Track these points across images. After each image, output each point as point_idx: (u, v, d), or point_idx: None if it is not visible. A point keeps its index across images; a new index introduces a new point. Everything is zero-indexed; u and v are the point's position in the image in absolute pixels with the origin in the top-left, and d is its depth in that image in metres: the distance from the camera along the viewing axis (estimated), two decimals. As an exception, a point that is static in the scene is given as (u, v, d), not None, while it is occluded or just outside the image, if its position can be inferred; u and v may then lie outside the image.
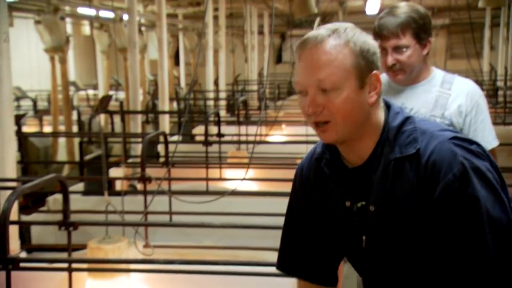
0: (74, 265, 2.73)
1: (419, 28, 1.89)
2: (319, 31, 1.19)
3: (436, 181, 1.13)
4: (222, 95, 9.30)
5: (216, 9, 9.34)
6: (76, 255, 3.14)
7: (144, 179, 3.64)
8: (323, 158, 1.28)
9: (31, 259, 3.36)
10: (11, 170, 3.70)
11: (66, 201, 2.78)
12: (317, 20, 5.61)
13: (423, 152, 1.16)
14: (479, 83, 7.29)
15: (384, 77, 1.95)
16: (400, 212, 1.18)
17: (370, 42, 1.20)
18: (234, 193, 3.45)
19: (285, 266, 1.37)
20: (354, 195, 1.23)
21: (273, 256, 1.47)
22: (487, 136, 1.95)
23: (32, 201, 5.23)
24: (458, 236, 1.12)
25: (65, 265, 2.73)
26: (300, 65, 1.19)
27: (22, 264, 2.44)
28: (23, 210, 4.48)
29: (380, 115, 1.22)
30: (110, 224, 3.24)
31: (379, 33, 1.90)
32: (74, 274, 2.71)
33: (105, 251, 2.83)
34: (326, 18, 14.78)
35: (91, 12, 7.76)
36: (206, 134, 5.05)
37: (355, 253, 1.28)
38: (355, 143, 1.21)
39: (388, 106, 1.25)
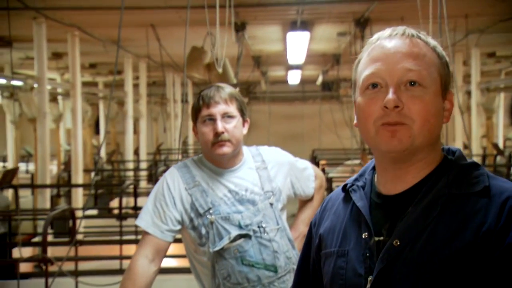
0: None
1: (242, 104, 1.96)
2: (401, 28, 1.07)
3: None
4: (143, 165, 9.00)
5: (137, 78, 9.21)
6: None
7: (46, 261, 3.29)
8: (353, 185, 1.13)
9: None
10: None
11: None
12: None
13: (496, 192, 0.99)
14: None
15: (206, 164, 1.95)
16: (438, 255, 0.97)
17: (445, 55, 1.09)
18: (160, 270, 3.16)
19: None
20: (376, 226, 1.05)
21: None
22: (310, 183, 2.09)
23: None
24: None
25: None
26: (383, 51, 1.03)
27: None
28: None
29: (440, 146, 1.08)
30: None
31: (207, 102, 1.91)
32: None
33: None
34: (250, 87, 15.07)
35: (1, 81, 7.38)
36: (120, 207, 4.76)
37: None
38: (411, 166, 1.04)
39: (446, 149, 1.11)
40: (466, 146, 7.40)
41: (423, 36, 1.07)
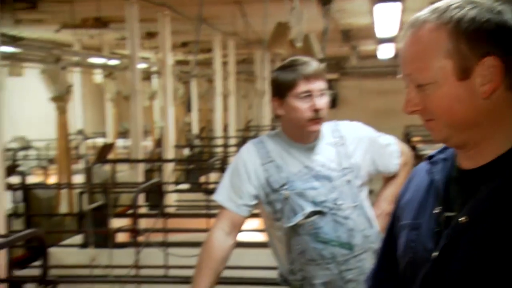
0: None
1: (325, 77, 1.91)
2: (422, 11, 1.01)
3: None
4: (232, 141, 9.18)
5: (226, 55, 9.33)
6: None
7: (135, 231, 3.46)
8: (436, 157, 1.10)
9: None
10: (1, 224, 3.61)
11: (44, 257, 2.69)
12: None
13: None
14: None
15: (283, 138, 1.91)
16: (504, 237, 0.91)
17: (485, 17, 0.94)
18: (240, 244, 3.21)
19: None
20: (451, 201, 1.02)
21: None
22: (394, 159, 2.00)
23: (35, 252, 5.10)
24: None
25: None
26: (399, 57, 1.04)
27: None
28: (18, 265, 4.36)
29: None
30: (93, 280, 3.08)
31: (307, 75, 1.83)
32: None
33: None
34: (340, 62, 14.80)
35: (99, 60, 7.80)
36: (207, 182, 4.89)
37: (418, 274, 1.03)
38: (474, 148, 1.00)
39: None
40: None
41: (434, 15, 0.97)
